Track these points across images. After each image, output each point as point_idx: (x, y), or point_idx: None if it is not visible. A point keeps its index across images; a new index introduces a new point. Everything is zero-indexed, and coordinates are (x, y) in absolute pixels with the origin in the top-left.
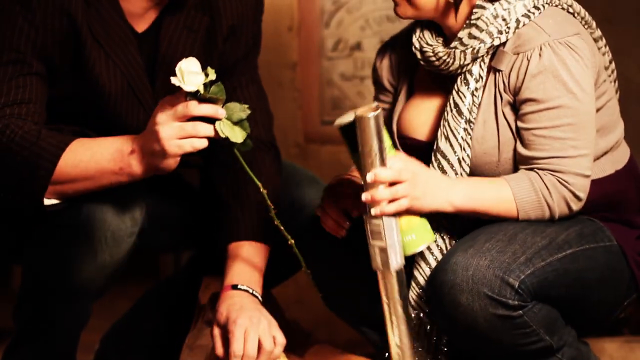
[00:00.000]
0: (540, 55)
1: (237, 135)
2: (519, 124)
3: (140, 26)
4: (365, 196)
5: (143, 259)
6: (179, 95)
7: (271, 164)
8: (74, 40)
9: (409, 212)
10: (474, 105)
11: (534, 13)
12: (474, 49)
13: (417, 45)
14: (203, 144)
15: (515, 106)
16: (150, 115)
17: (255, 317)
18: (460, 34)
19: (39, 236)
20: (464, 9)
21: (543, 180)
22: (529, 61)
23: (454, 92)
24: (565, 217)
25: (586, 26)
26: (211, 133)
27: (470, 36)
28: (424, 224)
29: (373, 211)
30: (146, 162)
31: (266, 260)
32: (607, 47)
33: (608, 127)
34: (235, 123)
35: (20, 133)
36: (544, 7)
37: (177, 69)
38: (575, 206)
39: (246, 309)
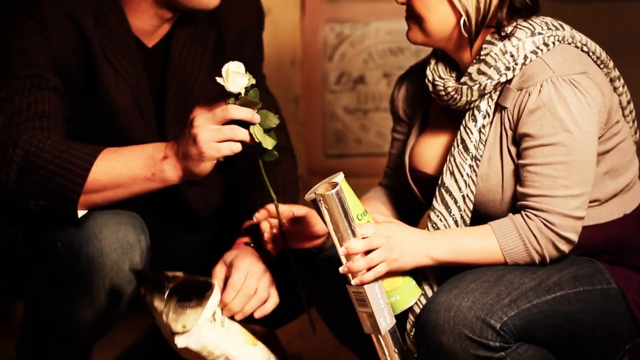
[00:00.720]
0: (540, 90)
1: (267, 142)
2: (518, 160)
3: (150, 41)
4: (342, 269)
5: None
6: (215, 100)
7: (290, 170)
8: (85, 55)
9: (390, 274)
10: (481, 142)
11: (542, 50)
12: (481, 85)
13: (430, 78)
14: (239, 147)
15: (516, 142)
16: (149, 132)
17: (260, 269)
18: (470, 70)
19: (39, 279)
20: (478, 44)
21: (529, 226)
22: (529, 96)
23: (461, 127)
24: (560, 258)
25: (602, 65)
26: (247, 137)
27: (479, 72)
28: (407, 282)
29: (353, 282)
30: (181, 167)
31: None
32: (626, 88)
33: (619, 169)
34: (266, 130)
35: (49, 143)
36: (553, 44)
37: (223, 69)
38: (565, 247)
39: (254, 260)
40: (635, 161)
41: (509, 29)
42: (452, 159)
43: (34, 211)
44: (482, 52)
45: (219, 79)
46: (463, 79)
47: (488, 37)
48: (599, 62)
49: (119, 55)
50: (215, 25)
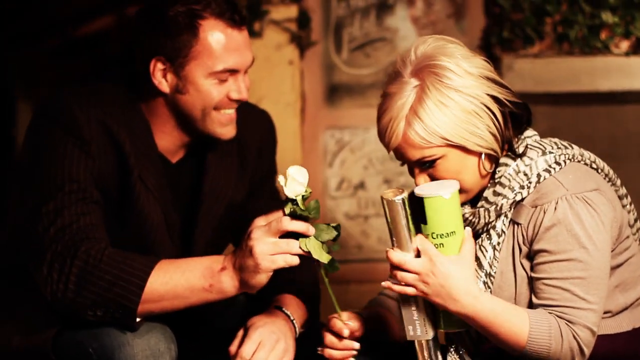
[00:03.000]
0: (555, 208)
1: (323, 256)
2: (532, 273)
3: (174, 157)
4: (399, 275)
5: None
6: (272, 213)
7: (308, 270)
8: (120, 171)
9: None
10: (495, 260)
11: (554, 168)
12: (497, 205)
13: None
14: (295, 260)
15: (530, 257)
16: (174, 248)
17: (277, 337)
18: (486, 193)
19: None
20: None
21: (561, 331)
22: (544, 213)
23: (477, 246)
24: None
25: (610, 183)
26: (301, 251)
27: (495, 194)
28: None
29: (384, 283)
30: (238, 279)
31: (306, 317)
32: (633, 206)
33: (629, 283)
34: (323, 243)
35: (107, 254)
36: (565, 162)
37: (287, 172)
38: (579, 359)
39: (274, 326)
40: None
41: (520, 149)
42: None
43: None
44: (497, 175)
45: (279, 180)
46: (480, 203)
47: (502, 160)
48: (607, 178)
49: (149, 173)
50: (237, 139)
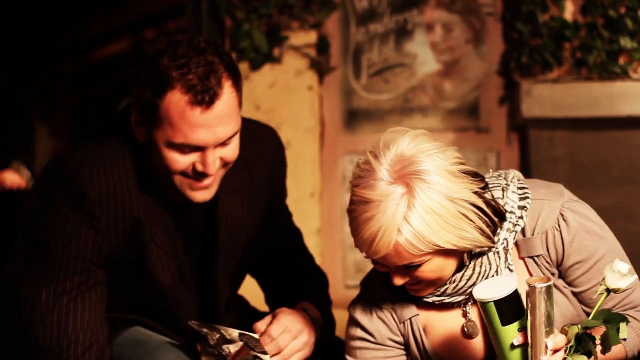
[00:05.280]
0: (565, 220)
1: None
2: (575, 289)
3: (181, 198)
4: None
5: None
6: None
7: (318, 284)
8: (133, 236)
9: None
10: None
11: (525, 193)
12: (505, 244)
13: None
14: None
15: (563, 276)
16: (192, 300)
17: (302, 328)
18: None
19: None
20: None
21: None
22: (560, 231)
23: None
24: None
25: None
26: None
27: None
28: None
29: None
30: None
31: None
32: None
33: None
34: None
35: (87, 357)
36: (522, 184)
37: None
38: None
39: (301, 319)
40: None
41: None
42: None
43: None
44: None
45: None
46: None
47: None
48: None
49: (159, 230)
50: (247, 168)
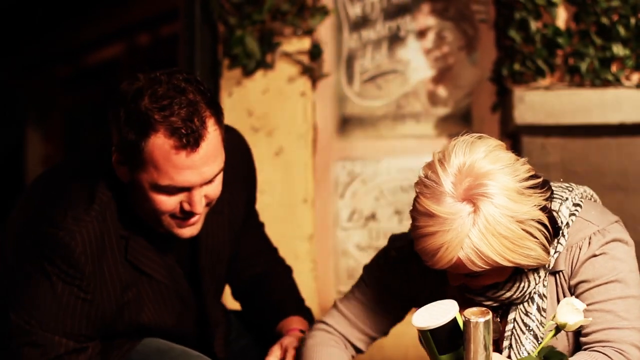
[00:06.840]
0: (589, 243)
1: None
2: None
3: (162, 228)
4: None
5: None
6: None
7: (285, 282)
8: (125, 277)
9: None
10: (542, 324)
11: (577, 210)
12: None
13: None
14: None
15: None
16: (192, 314)
17: None
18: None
19: None
20: None
21: (607, 355)
22: (580, 249)
23: (519, 314)
24: None
25: None
26: None
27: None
28: None
29: None
30: None
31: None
32: None
33: None
34: None
35: None
36: (581, 202)
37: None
38: None
39: None
40: None
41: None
42: (514, 344)
43: None
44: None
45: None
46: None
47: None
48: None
49: (150, 262)
50: (225, 182)
